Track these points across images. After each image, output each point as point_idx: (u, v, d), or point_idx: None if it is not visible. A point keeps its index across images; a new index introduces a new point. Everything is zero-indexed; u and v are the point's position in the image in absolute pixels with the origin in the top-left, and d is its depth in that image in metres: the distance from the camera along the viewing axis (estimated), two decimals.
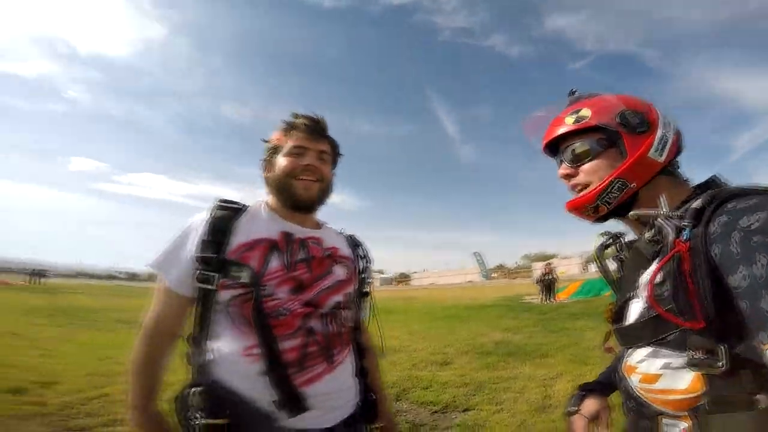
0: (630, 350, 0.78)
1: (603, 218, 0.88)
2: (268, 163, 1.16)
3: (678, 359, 0.67)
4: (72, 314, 11.60)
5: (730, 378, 0.60)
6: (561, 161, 0.91)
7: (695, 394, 0.64)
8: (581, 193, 0.86)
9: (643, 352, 0.73)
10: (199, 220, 1.06)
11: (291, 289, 1.02)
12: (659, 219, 0.72)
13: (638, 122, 0.79)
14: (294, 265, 1.05)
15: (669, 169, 0.82)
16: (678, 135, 0.83)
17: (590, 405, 1.03)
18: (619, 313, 0.83)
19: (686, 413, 0.66)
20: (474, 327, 8.90)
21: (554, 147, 0.92)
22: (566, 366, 4.72)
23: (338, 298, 1.10)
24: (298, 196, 1.10)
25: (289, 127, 1.14)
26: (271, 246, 1.04)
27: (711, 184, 0.79)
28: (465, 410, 3.51)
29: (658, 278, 0.70)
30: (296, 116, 1.15)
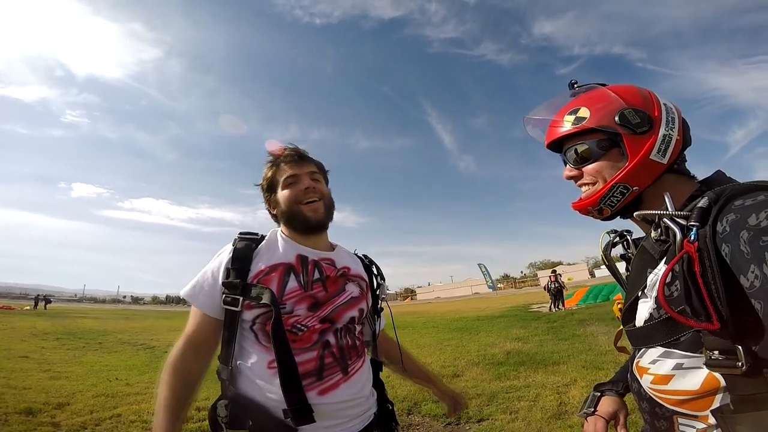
0: (641, 351, 0.77)
1: (609, 218, 0.87)
2: (271, 202, 1.27)
3: (690, 360, 0.66)
4: (79, 337, 11.64)
5: (751, 377, 0.59)
6: (565, 161, 0.90)
7: (709, 394, 0.64)
8: (584, 195, 0.86)
9: (654, 352, 0.73)
10: (224, 251, 1.16)
11: (308, 306, 1.10)
12: (665, 219, 0.71)
13: (639, 122, 0.77)
14: (310, 284, 1.13)
15: (674, 166, 0.79)
16: (683, 130, 0.80)
17: (607, 405, 1.02)
18: (629, 312, 0.83)
19: (703, 413, 0.66)
20: (483, 338, 8.82)
21: (557, 145, 0.91)
22: (579, 372, 4.66)
23: (353, 313, 1.17)
24: (309, 219, 1.19)
25: (275, 163, 1.25)
26: (287, 269, 1.13)
27: (716, 180, 0.77)
28: (479, 421, 3.47)
29: (668, 279, 0.69)
30: (275, 153, 1.27)
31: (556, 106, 0.90)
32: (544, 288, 15.96)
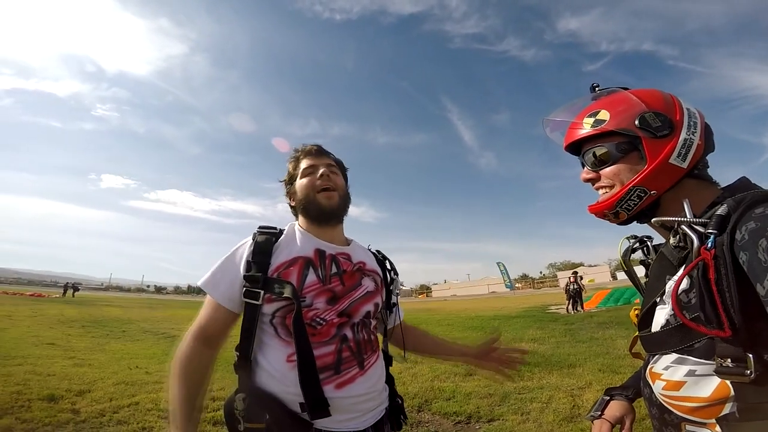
0: (655, 357, 0.77)
1: (626, 222, 0.86)
2: (290, 194, 1.32)
3: (703, 367, 0.66)
4: (104, 325, 12.02)
5: (759, 385, 0.59)
6: (583, 164, 0.90)
7: (719, 402, 0.64)
8: (601, 198, 0.85)
9: (668, 359, 0.72)
10: (244, 245, 1.17)
11: (327, 300, 1.11)
12: (683, 226, 0.70)
13: (659, 125, 0.76)
14: (329, 278, 1.14)
15: (695, 172, 0.78)
16: (706, 135, 0.79)
17: (614, 409, 1.01)
18: (646, 318, 0.82)
19: (711, 421, 0.65)
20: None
21: (576, 147, 0.91)
22: (595, 375, 4.57)
23: (368, 307, 1.19)
24: (323, 207, 1.21)
25: (296, 156, 1.31)
26: (306, 262, 1.14)
27: (740, 186, 0.76)
28: (489, 420, 3.44)
29: (684, 285, 0.68)
30: (297, 150, 1.32)
31: (576, 108, 0.90)
32: (564, 289, 15.67)
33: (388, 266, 1.37)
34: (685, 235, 0.70)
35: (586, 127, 0.84)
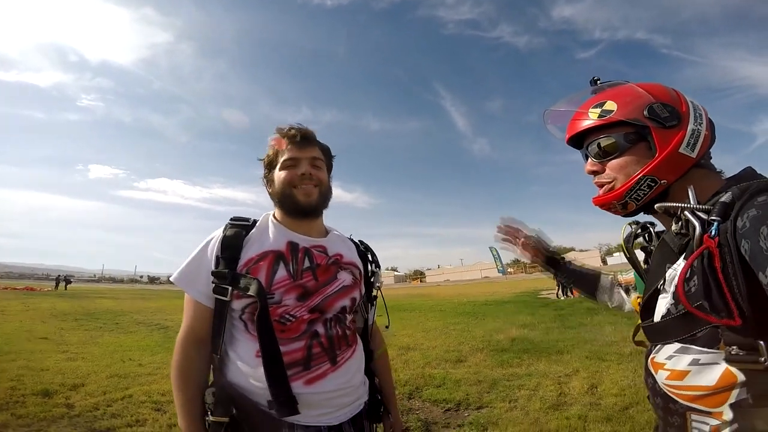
0: (657, 347, 0.77)
1: (633, 213, 0.86)
2: (268, 179, 1.23)
3: (707, 356, 0.66)
4: (97, 318, 11.96)
5: None
6: (586, 156, 0.89)
7: (725, 390, 0.64)
8: (609, 190, 0.84)
9: (671, 348, 0.73)
10: (215, 238, 1.13)
11: (297, 296, 1.08)
12: (686, 212, 0.70)
13: (668, 115, 0.76)
14: (300, 273, 1.11)
15: (701, 162, 0.79)
16: (711, 126, 0.79)
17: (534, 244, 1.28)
18: (648, 305, 0.82)
19: (717, 410, 0.65)
20: (490, 324, 8.86)
21: (578, 140, 0.90)
22: (582, 362, 4.67)
23: (344, 302, 1.15)
24: (300, 202, 1.16)
25: (278, 139, 1.20)
26: (277, 257, 1.10)
27: (745, 176, 0.76)
28: (478, 408, 3.51)
29: (686, 275, 0.68)
30: (282, 129, 1.21)
31: (576, 101, 0.89)
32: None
33: (370, 258, 1.33)
34: (687, 221, 0.69)
35: (593, 117, 0.83)
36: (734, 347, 0.61)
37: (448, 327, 8.83)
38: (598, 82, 0.89)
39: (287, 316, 1.05)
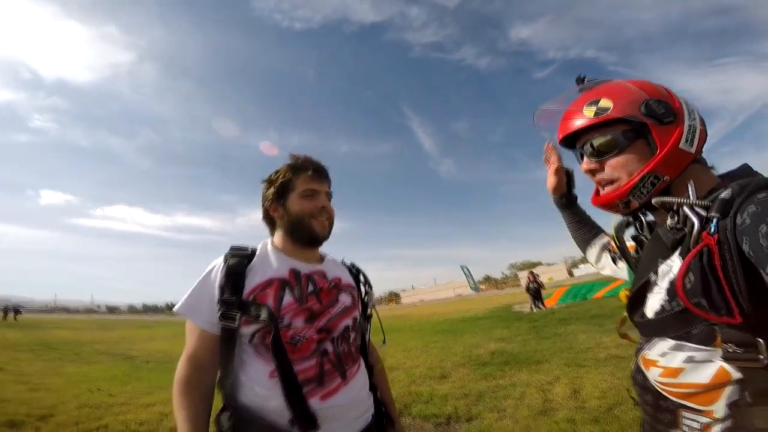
0: (649, 343, 0.76)
1: (635, 211, 0.85)
2: (275, 204, 1.25)
3: (702, 353, 0.65)
4: (55, 348, 11.25)
5: None
6: (582, 155, 0.87)
7: (717, 387, 0.63)
8: (610, 190, 0.83)
9: (664, 345, 0.72)
10: (216, 267, 1.15)
11: (305, 319, 1.12)
12: (685, 208, 0.69)
13: (664, 112, 0.75)
14: (305, 298, 1.15)
15: (697, 158, 0.78)
16: (703, 122, 0.79)
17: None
18: (636, 299, 0.81)
19: (709, 408, 0.65)
20: (468, 339, 8.94)
21: (570, 139, 0.88)
22: (562, 370, 4.80)
23: (347, 322, 1.21)
24: (317, 233, 1.22)
25: (296, 166, 1.25)
26: (282, 284, 1.14)
27: (741, 173, 0.75)
28: (468, 420, 3.54)
29: (676, 270, 0.68)
30: (298, 159, 1.27)
31: (564, 100, 0.88)
32: (525, 289, 16.29)
33: (362, 279, 1.39)
34: (685, 217, 0.68)
35: (588, 116, 0.81)
36: (731, 345, 0.61)
37: (428, 345, 8.84)
38: (585, 80, 0.88)
39: (297, 337, 1.09)
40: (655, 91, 0.79)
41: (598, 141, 0.81)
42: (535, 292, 15.23)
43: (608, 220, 1.01)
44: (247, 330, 1.07)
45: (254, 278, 1.13)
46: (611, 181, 0.82)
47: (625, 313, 0.86)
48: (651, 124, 0.76)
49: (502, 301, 24.77)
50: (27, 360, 8.66)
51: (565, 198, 1.28)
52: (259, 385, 1.06)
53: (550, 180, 1.28)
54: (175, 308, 1.13)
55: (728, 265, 0.60)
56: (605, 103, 0.80)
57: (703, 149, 0.80)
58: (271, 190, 1.25)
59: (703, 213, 0.66)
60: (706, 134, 0.79)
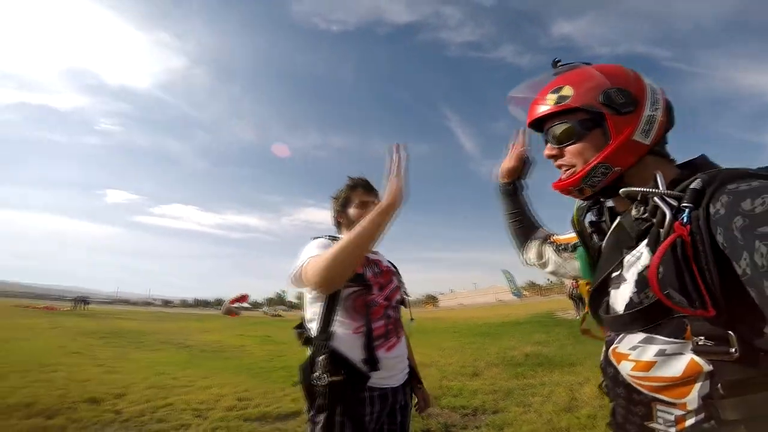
0: (619, 336, 0.74)
1: (590, 198, 0.86)
2: (340, 213, 1.71)
3: (673, 346, 0.65)
4: (122, 336, 12.31)
5: (742, 362, 0.57)
6: (546, 141, 0.87)
7: (690, 380, 0.63)
8: (565, 176, 0.84)
9: (634, 338, 0.70)
10: (327, 241, 1.55)
11: (378, 288, 1.55)
12: (655, 198, 0.67)
13: (623, 101, 0.75)
14: (376, 274, 1.59)
15: (656, 148, 0.78)
16: (667, 111, 0.78)
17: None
18: (599, 292, 0.82)
19: (682, 401, 0.64)
20: (505, 342, 8.99)
21: (539, 124, 0.89)
22: (594, 372, 4.84)
23: (398, 296, 1.65)
24: None
25: (353, 187, 1.71)
26: (365, 262, 1.57)
27: (700, 164, 0.75)
28: (494, 412, 3.75)
29: (644, 261, 0.68)
30: (354, 179, 1.73)
31: (539, 84, 0.88)
32: (569, 295, 15.89)
33: (396, 270, 1.78)
34: (655, 207, 0.67)
35: (550, 104, 0.82)
36: (701, 338, 0.60)
37: (463, 346, 9.00)
38: (559, 64, 0.88)
39: (374, 301, 1.50)
40: (620, 79, 0.78)
41: (557, 129, 0.82)
42: (579, 298, 14.83)
43: (572, 202, 0.99)
44: (345, 292, 1.46)
45: None
46: (570, 167, 0.83)
47: (587, 309, 0.88)
48: (608, 114, 0.76)
49: (545, 307, 24.12)
50: (99, 346, 9.57)
51: (514, 185, 1.29)
52: (347, 338, 1.42)
53: (508, 163, 1.28)
54: (310, 255, 1.40)
55: (701, 256, 0.59)
56: (566, 90, 0.80)
57: (666, 138, 0.80)
58: (338, 202, 1.72)
59: (674, 203, 0.65)
60: (671, 124, 0.79)
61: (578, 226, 0.95)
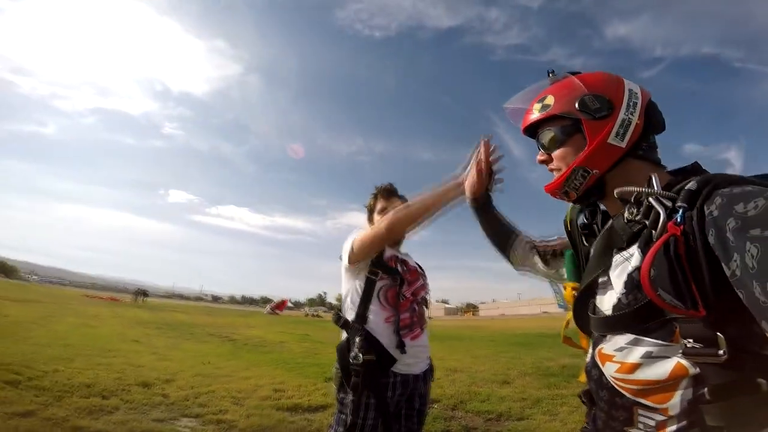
0: (606, 337, 0.73)
1: (577, 201, 0.89)
2: (371, 218, 1.94)
3: (660, 348, 0.63)
4: (175, 328, 13.24)
5: (729, 365, 0.56)
6: (539, 147, 0.91)
7: (674, 383, 0.62)
8: (553, 180, 0.87)
9: (621, 340, 0.69)
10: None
11: (407, 283, 1.74)
12: (650, 199, 0.67)
13: (598, 107, 0.77)
14: (405, 271, 1.77)
15: (639, 152, 0.79)
16: (648, 114, 0.79)
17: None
18: (585, 295, 0.82)
19: (664, 405, 0.63)
20: (542, 353, 8.74)
21: (532, 132, 0.92)
22: None
23: (423, 293, 1.84)
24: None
25: (375, 194, 1.93)
26: (396, 259, 1.77)
27: (692, 170, 0.76)
28: (519, 419, 3.73)
29: (635, 263, 0.68)
30: (377, 188, 1.93)
31: (533, 92, 0.92)
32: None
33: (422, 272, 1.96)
34: (649, 208, 0.67)
35: (535, 113, 0.86)
36: (690, 340, 0.59)
37: (497, 354, 8.86)
38: (551, 75, 0.91)
39: (403, 295, 1.70)
40: (597, 86, 0.81)
41: (544, 136, 0.87)
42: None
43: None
44: (380, 284, 1.67)
45: (385, 253, 1.74)
46: (559, 170, 0.86)
47: (570, 315, 0.88)
48: (584, 119, 0.79)
49: None
50: (155, 335, 10.40)
51: (482, 199, 1.27)
52: (379, 325, 1.62)
53: (470, 179, 1.28)
54: (342, 253, 1.74)
55: (694, 255, 0.59)
56: (549, 100, 0.85)
57: (654, 143, 0.81)
58: (367, 210, 1.96)
59: (669, 204, 0.65)
60: (650, 127, 0.80)
61: (569, 226, 0.98)
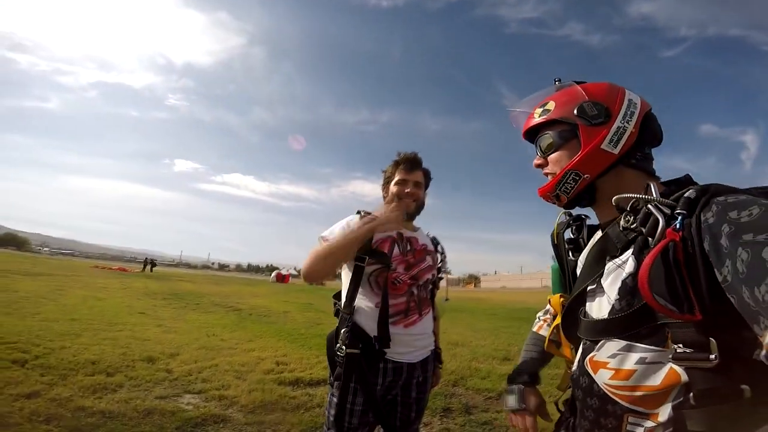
0: (598, 344, 0.73)
1: (568, 206, 0.90)
2: (385, 188, 1.82)
3: (654, 354, 0.64)
4: (181, 298, 13.38)
5: (717, 371, 0.57)
6: (537, 152, 0.93)
7: (667, 390, 0.62)
8: (546, 183, 0.89)
9: (614, 346, 0.69)
10: (354, 220, 1.67)
11: (404, 267, 1.64)
12: (649, 205, 0.68)
13: (595, 113, 0.80)
14: (406, 252, 1.67)
15: (632, 162, 0.81)
16: (644, 125, 0.81)
17: (533, 400, 1.05)
18: (576, 303, 0.83)
19: (655, 411, 0.64)
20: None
21: (533, 135, 0.94)
22: None
23: (428, 276, 1.71)
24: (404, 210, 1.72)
25: (396, 164, 1.78)
26: (393, 241, 1.67)
27: (684, 182, 0.78)
28: None
29: (629, 269, 0.68)
30: (400, 155, 1.78)
31: (537, 99, 0.94)
32: None
33: (440, 249, 1.86)
34: (646, 215, 0.68)
35: (536, 117, 0.89)
36: (680, 345, 0.60)
37: (498, 329, 8.93)
38: (557, 82, 0.93)
39: (398, 279, 1.59)
40: (597, 94, 0.83)
41: (542, 140, 0.89)
42: None
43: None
44: (369, 269, 1.58)
45: (378, 234, 1.63)
46: (553, 175, 0.88)
47: (558, 322, 0.90)
48: (580, 125, 0.81)
49: None
50: (161, 307, 10.51)
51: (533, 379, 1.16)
52: (367, 312, 1.55)
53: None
54: (324, 233, 1.65)
55: (692, 261, 0.60)
56: (550, 105, 0.87)
57: (649, 154, 0.83)
58: (384, 177, 1.82)
59: (668, 211, 0.66)
60: (645, 138, 0.81)
61: (556, 240, 1.01)
